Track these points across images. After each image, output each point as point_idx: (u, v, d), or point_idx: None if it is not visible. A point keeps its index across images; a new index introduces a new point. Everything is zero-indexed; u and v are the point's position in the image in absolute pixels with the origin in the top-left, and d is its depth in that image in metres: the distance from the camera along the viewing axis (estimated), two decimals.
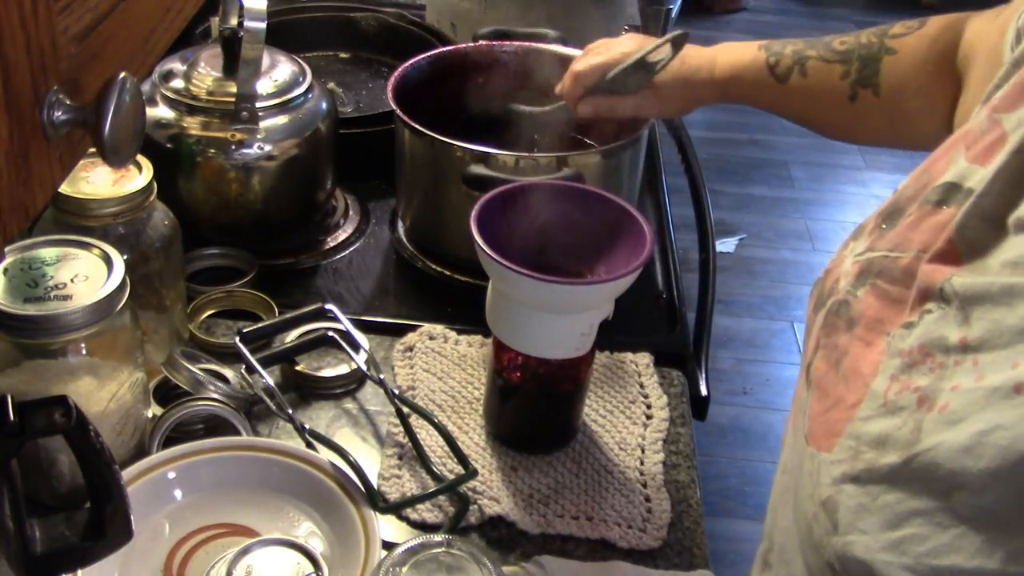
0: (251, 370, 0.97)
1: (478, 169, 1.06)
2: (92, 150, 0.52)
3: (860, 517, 0.55)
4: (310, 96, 1.18)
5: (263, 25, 1.07)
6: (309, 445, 0.92)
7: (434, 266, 1.21)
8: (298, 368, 1.04)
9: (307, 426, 0.93)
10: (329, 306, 1.04)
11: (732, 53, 1.04)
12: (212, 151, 1.12)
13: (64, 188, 0.89)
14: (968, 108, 0.72)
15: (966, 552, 0.50)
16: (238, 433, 0.94)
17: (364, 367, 1.01)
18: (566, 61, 1.25)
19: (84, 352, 0.83)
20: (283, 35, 1.41)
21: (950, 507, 0.51)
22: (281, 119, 1.14)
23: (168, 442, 0.92)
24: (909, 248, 0.60)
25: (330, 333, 1.03)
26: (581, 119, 1.12)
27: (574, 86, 1.08)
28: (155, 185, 0.94)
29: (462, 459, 0.93)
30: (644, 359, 1.09)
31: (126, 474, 0.83)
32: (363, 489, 0.88)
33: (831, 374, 0.61)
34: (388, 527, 0.89)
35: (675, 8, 2.51)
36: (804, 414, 0.63)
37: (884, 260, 0.61)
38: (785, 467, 0.69)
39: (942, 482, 0.51)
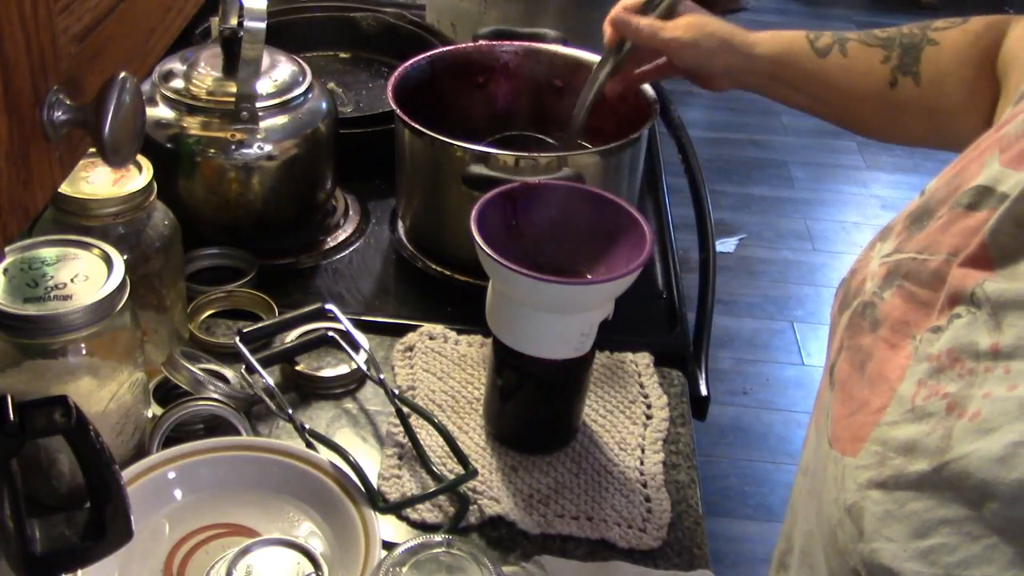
0: (251, 370, 0.97)
1: (478, 169, 1.06)
2: (92, 150, 0.52)
3: (887, 524, 0.54)
4: (310, 96, 1.18)
5: (263, 25, 1.07)
6: (309, 445, 0.92)
7: (434, 266, 1.21)
8: (298, 368, 1.04)
9: (307, 426, 0.93)
10: (329, 306, 1.04)
11: (772, 32, 1.04)
12: (212, 151, 1.12)
13: (64, 188, 0.89)
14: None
15: (998, 564, 0.49)
16: (238, 433, 0.94)
17: (364, 367, 1.01)
18: (566, 61, 1.26)
19: (84, 352, 0.83)
20: (283, 35, 1.41)
21: (981, 517, 0.50)
22: (281, 119, 1.14)
23: (168, 442, 0.92)
24: (939, 251, 0.58)
25: (330, 333, 1.03)
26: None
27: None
28: (155, 185, 0.94)
29: (462, 459, 0.93)
30: (644, 359, 1.09)
31: (126, 474, 0.83)
32: (363, 489, 0.88)
33: (855, 376, 0.60)
34: (388, 527, 0.89)
35: None
36: (827, 416, 0.62)
37: (912, 262, 0.60)
38: (807, 469, 0.67)
39: (974, 491, 0.50)
